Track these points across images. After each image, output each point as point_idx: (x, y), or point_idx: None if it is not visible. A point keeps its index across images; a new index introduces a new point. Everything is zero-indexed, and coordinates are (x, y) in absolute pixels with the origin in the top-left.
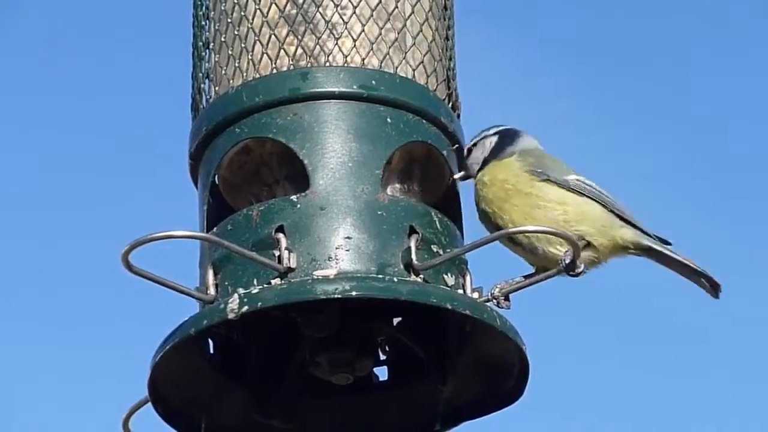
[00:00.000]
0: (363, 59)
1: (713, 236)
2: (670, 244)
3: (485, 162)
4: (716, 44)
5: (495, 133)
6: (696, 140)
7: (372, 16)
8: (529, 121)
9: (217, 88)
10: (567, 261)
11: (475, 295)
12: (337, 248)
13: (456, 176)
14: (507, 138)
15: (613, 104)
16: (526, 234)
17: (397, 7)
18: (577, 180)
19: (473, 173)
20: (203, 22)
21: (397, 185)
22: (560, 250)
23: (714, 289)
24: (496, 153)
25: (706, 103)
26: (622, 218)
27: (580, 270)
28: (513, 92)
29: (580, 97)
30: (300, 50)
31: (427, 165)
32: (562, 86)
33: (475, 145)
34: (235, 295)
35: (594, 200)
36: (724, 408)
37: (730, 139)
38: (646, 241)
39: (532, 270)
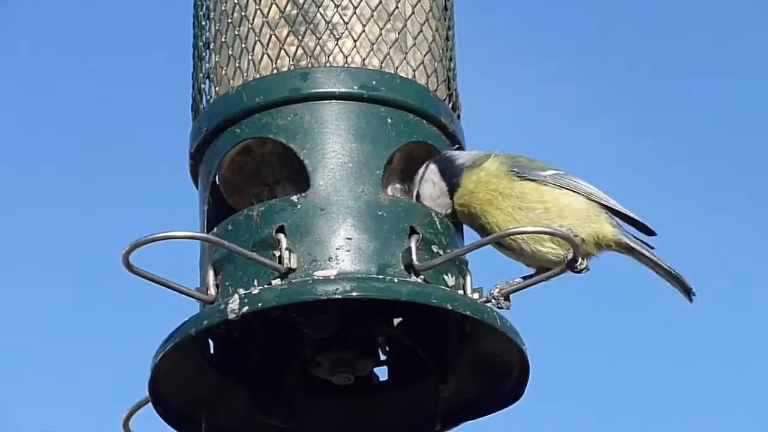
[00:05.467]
0: (363, 59)
1: (710, 227)
2: (654, 233)
3: (451, 184)
4: (715, 33)
5: (426, 168)
6: (694, 130)
7: (372, 16)
8: (525, 107)
9: (217, 89)
10: (569, 258)
11: (476, 295)
12: (337, 249)
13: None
14: (445, 159)
15: (610, 91)
16: (513, 237)
17: (397, 7)
18: (556, 174)
19: (447, 205)
20: (204, 23)
21: (398, 185)
22: (551, 248)
23: (687, 293)
24: (456, 170)
25: (705, 93)
26: (608, 208)
27: (582, 267)
28: (510, 78)
29: (577, 83)
30: (300, 50)
31: None
32: (558, 72)
33: (419, 194)
34: (236, 296)
35: (576, 192)
36: (724, 406)
37: (729, 130)
38: (627, 240)
39: (532, 271)
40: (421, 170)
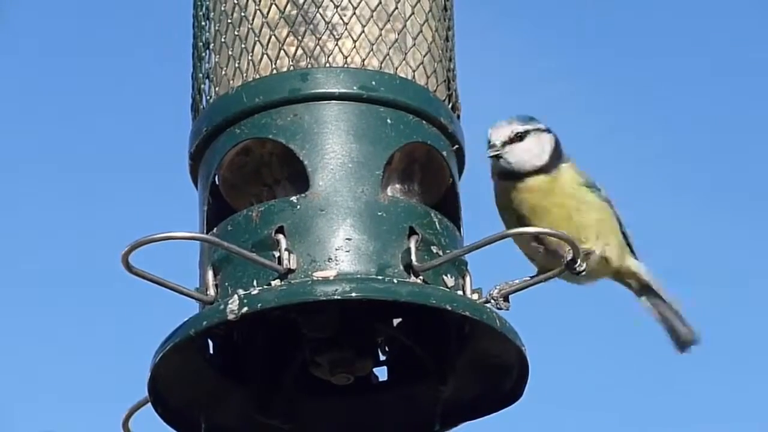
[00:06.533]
0: (363, 60)
1: (710, 224)
2: None
3: (552, 164)
4: (715, 30)
5: (550, 133)
6: (694, 127)
7: (372, 16)
8: (526, 104)
9: (217, 89)
10: (568, 258)
11: (475, 296)
12: (336, 249)
13: (489, 155)
14: (559, 147)
15: (610, 89)
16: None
17: (397, 8)
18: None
19: (520, 167)
20: (203, 23)
21: (398, 186)
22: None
23: (682, 345)
24: (553, 162)
25: (705, 90)
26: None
27: (582, 268)
28: (510, 74)
29: (577, 81)
30: (300, 51)
31: (428, 166)
32: (559, 69)
33: (527, 132)
34: (235, 296)
35: (617, 220)
36: (723, 405)
37: (729, 127)
38: (646, 277)
39: (532, 271)
40: (542, 125)
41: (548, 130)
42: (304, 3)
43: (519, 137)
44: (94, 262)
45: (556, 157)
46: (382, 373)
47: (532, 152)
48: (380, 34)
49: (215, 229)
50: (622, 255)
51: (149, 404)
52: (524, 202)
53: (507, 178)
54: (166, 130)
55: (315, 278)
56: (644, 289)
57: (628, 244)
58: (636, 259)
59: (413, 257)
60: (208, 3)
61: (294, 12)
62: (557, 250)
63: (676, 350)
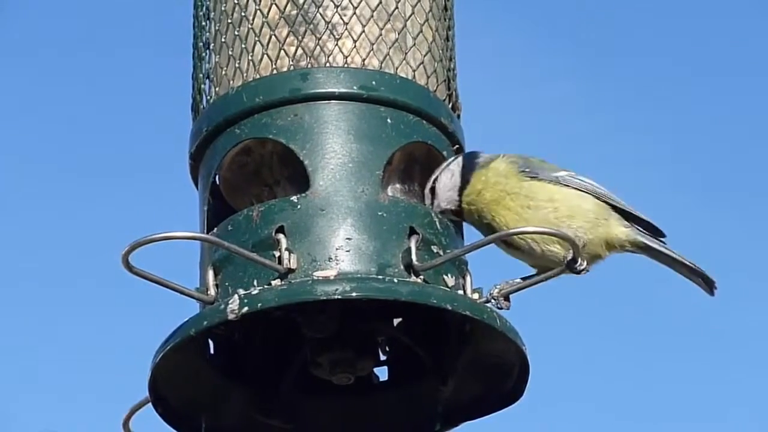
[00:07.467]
0: (363, 60)
1: (712, 222)
2: (664, 235)
3: (465, 180)
4: (715, 30)
5: (454, 159)
6: (697, 126)
7: (372, 16)
8: (527, 104)
9: (217, 89)
10: (569, 258)
11: (475, 295)
12: (337, 249)
13: (442, 211)
14: (470, 155)
15: (613, 88)
16: (522, 236)
17: (397, 7)
18: (568, 175)
19: (454, 200)
20: (204, 23)
21: (398, 186)
22: (560, 249)
23: (709, 286)
24: (471, 168)
25: (706, 90)
26: (617, 209)
27: (582, 267)
28: (510, 74)
29: (579, 80)
30: (300, 51)
31: (428, 165)
32: (560, 69)
33: (437, 179)
34: (236, 296)
35: (586, 192)
36: (725, 405)
37: (732, 127)
38: (642, 239)
39: (532, 271)
40: (448, 160)
41: (455, 158)
42: (304, 3)
43: (433, 190)
44: (95, 262)
45: (471, 168)
46: (382, 373)
47: (450, 186)
48: (380, 34)
49: (216, 229)
50: (603, 225)
51: (150, 404)
52: (478, 214)
53: (457, 215)
54: (166, 130)
55: (315, 278)
56: (648, 251)
57: (620, 212)
58: (629, 225)
59: (414, 257)
60: (208, 3)
61: (294, 12)
62: (533, 250)
63: (706, 293)
